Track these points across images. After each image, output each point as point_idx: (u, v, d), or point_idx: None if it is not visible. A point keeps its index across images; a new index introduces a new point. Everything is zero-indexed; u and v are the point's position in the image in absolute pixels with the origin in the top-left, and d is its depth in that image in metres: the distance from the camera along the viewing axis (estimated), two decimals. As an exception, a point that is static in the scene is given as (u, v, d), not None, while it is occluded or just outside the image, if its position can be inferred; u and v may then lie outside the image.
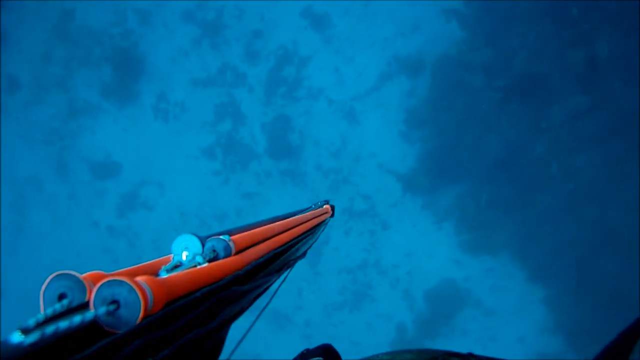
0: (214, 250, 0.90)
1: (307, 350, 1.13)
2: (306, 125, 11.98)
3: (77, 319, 0.52)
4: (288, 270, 1.28)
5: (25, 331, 0.49)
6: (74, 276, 0.62)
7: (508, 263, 11.09)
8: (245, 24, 12.01)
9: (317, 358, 1.09)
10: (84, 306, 0.59)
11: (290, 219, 1.45)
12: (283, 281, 1.28)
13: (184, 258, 0.85)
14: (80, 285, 0.62)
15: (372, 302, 12.30)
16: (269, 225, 1.22)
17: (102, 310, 0.55)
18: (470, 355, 0.91)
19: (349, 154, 11.88)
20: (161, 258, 0.87)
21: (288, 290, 11.99)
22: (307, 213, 1.73)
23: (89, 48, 12.63)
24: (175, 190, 12.88)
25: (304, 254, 1.61)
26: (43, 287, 0.61)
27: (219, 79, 12.25)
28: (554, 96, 10.09)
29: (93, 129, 12.96)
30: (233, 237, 0.94)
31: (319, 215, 1.84)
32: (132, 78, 12.56)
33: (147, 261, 0.82)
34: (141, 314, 0.57)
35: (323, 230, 1.95)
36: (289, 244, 1.30)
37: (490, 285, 11.37)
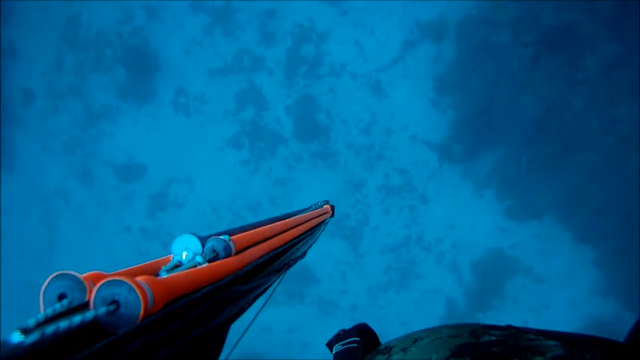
0: (214, 250, 0.97)
1: (343, 330, 1.20)
2: (332, 103, 12.58)
3: (77, 319, 0.55)
4: (287, 270, 1.39)
5: (25, 331, 0.52)
6: (74, 276, 0.66)
7: (554, 226, 11.43)
8: (256, 5, 12.71)
9: (353, 338, 1.13)
10: (84, 306, 0.63)
11: (290, 219, 1.55)
12: (280, 282, 1.39)
13: (184, 258, 0.93)
14: (80, 285, 0.66)
15: (419, 279, 12.94)
16: (269, 226, 1.32)
17: (102, 310, 0.59)
18: (509, 327, 0.95)
19: (379, 128, 12.43)
20: (161, 258, 0.94)
21: (331, 275, 12.81)
22: (307, 213, 1.85)
23: (99, 51, 13.58)
24: (204, 185, 13.70)
25: (304, 254, 1.70)
26: (43, 287, 0.65)
27: (236, 65, 13.02)
28: (587, 47, 10.59)
29: (113, 133, 13.92)
30: (233, 237, 1.02)
31: (319, 215, 1.98)
32: (147, 76, 13.44)
33: (147, 261, 0.88)
34: (141, 314, 0.61)
35: (323, 230, 2.11)
36: (289, 244, 1.40)
37: (538, 251, 11.79)
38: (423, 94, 12.00)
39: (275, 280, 1.28)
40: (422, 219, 12.68)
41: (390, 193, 12.76)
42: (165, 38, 13.24)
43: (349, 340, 1.13)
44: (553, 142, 11.03)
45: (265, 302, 1.39)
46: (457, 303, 12.88)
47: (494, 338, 0.86)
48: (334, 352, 1.12)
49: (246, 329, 1.39)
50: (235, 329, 1.08)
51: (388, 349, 0.98)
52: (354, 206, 12.97)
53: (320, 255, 13.18)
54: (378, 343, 1.15)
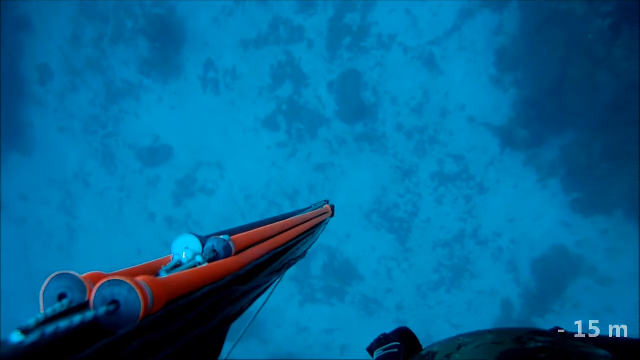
0: (214, 250, 1.06)
1: (384, 335, 1.28)
2: (380, 79, 12.50)
3: (77, 318, 0.59)
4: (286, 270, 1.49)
5: (25, 331, 0.56)
6: (73, 276, 0.71)
7: (624, 222, 11.27)
8: (294, -32, 12.78)
9: (395, 343, 1.20)
10: (84, 306, 0.68)
11: (290, 219, 1.67)
12: (280, 281, 1.47)
13: (183, 258, 1.01)
14: (80, 285, 0.71)
15: (473, 278, 12.96)
16: (269, 225, 1.41)
17: (102, 310, 0.63)
18: (555, 332, 1.00)
19: (433, 108, 12.36)
20: (161, 258, 1.02)
21: (376, 271, 13.63)
22: (307, 213, 1.97)
23: (120, 22, 13.81)
24: (236, 170, 13.87)
25: (304, 254, 1.81)
26: (43, 287, 0.70)
27: (271, 36, 13.07)
28: (674, 17, 10.43)
29: (136, 112, 14.25)
30: (233, 237, 1.11)
31: (319, 215, 2.11)
32: (172, 49, 13.59)
33: (147, 261, 0.95)
34: (141, 314, 0.66)
35: (323, 230, 2.27)
36: (289, 244, 1.49)
37: (604, 249, 11.66)
38: (482, 70, 11.85)
39: (275, 280, 1.36)
40: (479, 211, 12.64)
41: (444, 182, 12.71)
42: (193, 7, 13.34)
43: (390, 345, 1.20)
44: (631, 126, 10.78)
45: (265, 302, 1.47)
46: (513, 305, 12.88)
47: (540, 344, 0.89)
48: (374, 358, 1.19)
49: (246, 328, 1.51)
50: (235, 329, 1.15)
51: (431, 355, 1.02)
52: (404, 196, 13.02)
53: (364, 249, 13.37)
54: (419, 347, 1.21)
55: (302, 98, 13.10)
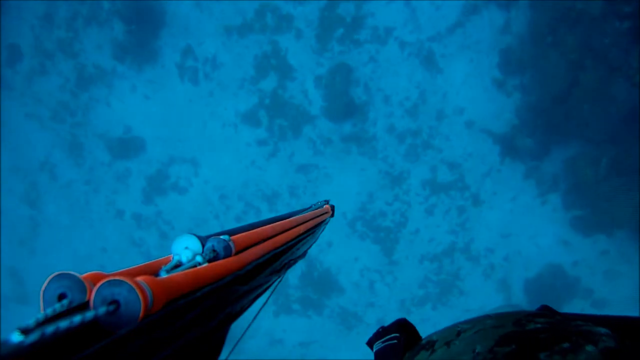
0: (214, 250, 1.01)
1: (383, 327, 1.19)
2: (373, 76, 11.74)
3: (77, 318, 0.58)
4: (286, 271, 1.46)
5: (25, 331, 0.55)
6: (73, 276, 0.69)
7: (625, 244, 10.80)
8: (284, -49, 11.92)
9: (394, 334, 1.14)
10: (84, 306, 0.67)
11: (291, 219, 1.62)
12: (280, 281, 1.44)
13: (183, 258, 0.96)
14: (80, 285, 0.69)
15: (461, 296, 12.39)
16: (269, 226, 1.37)
17: (102, 310, 0.62)
18: (555, 313, 0.98)
19: (429, 110, 11.63)
20: (161, 258, 0.98)
21: (357, 284, 11.94)
22: (307, 213, 1.92)
23: (96, 1, 12.75)
24: (212, 167, 13.00)
25: (304, 254, 1.80)
26: (43, 287, 0.69)
27: (257, 24, 12.09)
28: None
29: (108, 100, 13.21)
30: (233, 237, 1.06)
31: (319, 215, 2.06)
32: (150, 33, 12.62)
33: (147, 261, 0.92)
34: (141, 314, 0.64)
35: (323, 230, 2.19)
36: (289, 244, 1.46)
37: (603, 271, 11.22)
38: (485, 71, 11.17)
39: (275, 280, 1.35)
40: (472, 225, 12.02)
41: (437, 191, 11.99)
42: (174, -12, 12.38)
43: (389, 337, 1.15)
44: (644, 141, 10.25)
45: (266, 302, 1.46)
46: None
47: (539, 326, 0.88)
48: (374, 351, 1.14)
49: (246, 329, 1.48)
50: (235, 329, 1.11)
51: (431, 344, 1.00)
52: (392, 204, 12.29)
53: (346, 259, 12.69)
54: (419, 338, 1.16)
55: (286, 92, 12.20)
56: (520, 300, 11.88)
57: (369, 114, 11.91)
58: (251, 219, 12.45)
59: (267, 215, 12.33)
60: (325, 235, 12.23)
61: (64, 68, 13.15)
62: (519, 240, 11.70)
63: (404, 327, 1.19)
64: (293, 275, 13.03)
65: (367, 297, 12.84)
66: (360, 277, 12.81)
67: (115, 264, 13.70)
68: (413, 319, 4.81)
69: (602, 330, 0.83)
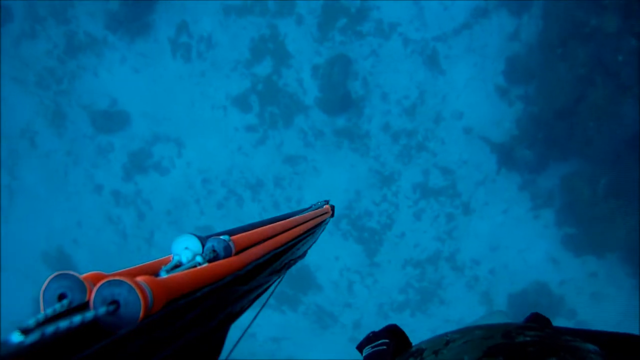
0: (214, 250, 1.00)
1: (373, 333, 1.18)
2: (372, 70, 11.26)
3: (77, 319, 0.58)
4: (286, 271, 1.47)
5: (25, 331, 0.54)
6: (73, 276, 0.69)
7: (616, 267, 10.47)
8: None
9: (383, 340, 1.13)
10: (84, 306, 0.66)
11: (291, 219, 1.58)
12: (280, 281, 1.44)
13: (184, 258, 0.95)
14: (80, 286, 0.69)
15: (441, 305, 11.95)
16: (269, 226, 1.36)
17: (102, 310, 0.61)
18: (545, 327, 0.97)
19: (427, 111, 11.16)
20: (161, 258, 0.96)
21: (336, 283, 11.56)
22: (307, 213, 1.88)
23: None
24: (196, 149, 12.56)
25: (304, 254, 1.75)
26: (43, 287, 0.68)
27: (257, 6, 11.60)
28: None
29: (95, 70, 12.73)
30: (233, 237, 1.05)
31: (319, 216, 2.02)
32: (145, 5, 12.16)
33: (147, 261, 0.91)
34: (141, 314, 0.64)
35: (323, 230, 2.13)
36: (289, 244, 1.45)
37: (590, 293, 10.87)
38: (489, 77, 10.69)
39: (275, 280, 1.36)
40: (460, 234, 11.56)
41: (427, 195, 11.52)
42: (173, -41, 11.97)
43: (379, 342, 1.14)
44: (649, 166, 9.93)
45: (266, 302, 1.47)
46: None
47: (529, 339, 0.87)
48: (363, 355, 1.14)
49: (246, 329, 1.45)
50: (235, 329, 1.10)
51: (420, 352, 1.00)
52: (379, 204, 11.83)
53: (326, 257, 12.24)
54: (409, 344, 1.16)
55: (281, 79, 11.72)
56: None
57: (365, 109, 11.48)
58: (233, 207, 12.22)
59: (248, 203, 12.13)
60: None
61: (54, 33, 12.68)
62: (506, 253, 11.27)
63: (394, 333, 1.18)
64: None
65: (344, 298, 12.40)
66: (340, 277, 12.34)
67: (90, 240, 13.40)
68: None
69: (591, 347, 0.83)
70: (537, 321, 1.06)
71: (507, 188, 10.96)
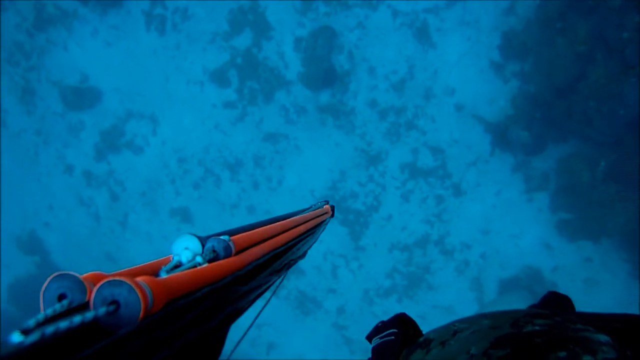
0: (214, 251, 0.99)
1: (382, 322, 1.16)
2: (359, 43, 10.76)
3: (77, 319, 0.57)
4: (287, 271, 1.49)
5: (25, 331, 0.54)
6: (73, 276, 0.69)
7: (611, 253, 10.07)
8: None
9: (391, 330, 1.10)
10: (84, 306, 0.66)
11: (291, 219, 1.56)
12: (281, 282, 1.48)
13: (183, 258, 0.93)
14: (80, 286, 0.68)
15: (430, 290, 11.50)
16: (269, 226, 1.34)
17: (102, 310, 0.61)
18: (554, 314, 0.92)
19: (416, 87, 10.66)
20: (161, 259, 0.96)
21: (319, 267, 11.07)
22: (307, 213, 1.84)
23: None
24: (172, 127, 12.09)
25: (304, 254, 1.73)
26: (43, 287, 0.67)
27: None
28: None
29: (66, 44, 12.24)
30: (233, 238, 1.04)
31: (319, 216, 1.97)
32: None
33: (147, 262, 0.90)
34: (141, 314, 0.63)
35: (323, 230, 2.09)
36: (290, 244, 1.42)
37: (583, 279, 10.44)
38: (483, 52, 10.13)
39: (275, 281, 1.33)
40: (450, 216, 11.05)
41: (415, 175, 11.01)
42: None
43: (387, 332, 1.12)
44: (650, 150, 9.62)
45: (267, 303, 1.51)
46: None
47: (537, 328, 0.85)
48: (372, 346, 1.13)
49: (247, 330, 1.46)
50: (235, 329, 1.09)
51: (427, 342, 1.00)
52: (365, 185, 11.32)
53: None
54: (419, 332, 1.14)
55: (261, 52, 11.18)
56: (493, 300, 11.14)
57: (350, 84, 11.00)
58: (210, 187, 11.79)
59: (226, 183, 11.70)
60: (289, 211, 11.59)
61: (23, 6, 12.13)
62: (498, 237, 10.81)
63: (402, 322, 1.14)
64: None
65: (328, 283, 11.94)
66: (323, 261, 11.87)
67: (62, 222, 12.88)
68: (375, 311, 11.34)
69: (602, 338, 0.80)
70: (553, 302, 1.02)
71: (500, 169, 10.45)
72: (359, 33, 10.64)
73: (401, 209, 11.29)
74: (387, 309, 11.68)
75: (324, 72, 10.89)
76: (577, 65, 9.22)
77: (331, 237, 11.69)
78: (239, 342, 1.33)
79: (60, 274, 0.68)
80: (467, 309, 11.13)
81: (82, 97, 12.13)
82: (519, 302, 10.83)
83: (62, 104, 12.30)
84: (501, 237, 10.82)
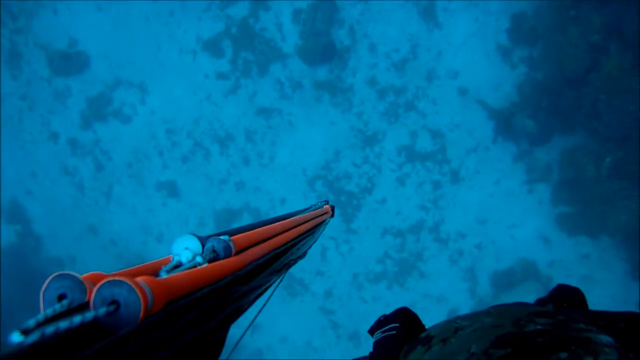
0: (214, 251, 0.99)
1: (384, 316, 1.12)
2: (360, 18, 10.49)
3: (77, 319, 0.57)
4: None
5: (26, 331, 0.54)
6: (73, 276, 0.68)
7: (610, 250, 9.87)
8: None
9: (393, 325, 1.06)
10: (84, 306, 0.66)
11: (291, 219, 1.55)
12: (281, 282, 1.44)
13: (183, 258, 0.94)
14: (80, 286, 0.68)
15: (421, 278, 11.24)
16: (269, 226, 1.33)
17: (102, 310, 0.61)
18: (558, 311, 0.89)
19: (418, 67, 10.38)
20: (161, 259, 0.95)
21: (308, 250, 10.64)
22: (307, 213, 1.82)
23: None
24: (161, 96, 11.75)
25: (304, 254, 1.70)
26: (43, 287, 0.67)
27: None
28: None
29: (55, 6, 11.85)
30: (233, 238, 1.04)
31: (319, 216, 1.95)
32: None
33: (147, 262, 0.89)
34: (141, 314, 0.63)
35: (323, 230, 2.08)
36: (289, 244, 1.41)
37: (580, 276, 10.19)
38: (491, 35, 9.85)
39: (275, 281, 1.34)
40: (447, 203, 10.79)
41: (412, 159, 10.72)
42: None
43: (389, 327, 1.08)
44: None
45: (266, 302, 1.45)
46: None
47: (539, 327, 0.82)
48: (373, 341, 1.10)
49: (247, 329, 1.46)
50: (235, 328, 1.09)
51: (428, 339, 0.95)
52: (360, 166, 11.05)
53: None
54: (420, 327, 1.09)
55: (258, 23, 10.87)
56: (485, 293, 10.93)
57: (350, 61, 10.69)
58: (199, 161, 11.54)
59: (216, 158, 11.47)
60: (280, 190, 11.63)
61: None
62: (495, 228, 10.57)
63: (404, 317, 1.11)
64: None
65: (316, 265, 11.69)
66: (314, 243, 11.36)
67: (45, 191, 12.55)
68: (365, 296, 11.44)
69: (605, 339, 0.77)
70: (562, 296, 1.00)
71: (501, 158, 10.18)
72: (361, 8, 10.37)
73: (396, 193, 11.00)
74: (376, 295, 11.51)
75: (323, 46, 10.59)
76: (589, 56, 8.95)
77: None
78: (238, 341, 1.33)
79: (60, 274, 0.67)
80: (459, 299, 11.01)
81: (69, 62, 11.77)
82: (531, 295, 10.65)
83: (48, 68, 11.98)
84: (498, 228, 10.62)
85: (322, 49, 10.64)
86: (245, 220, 11.83)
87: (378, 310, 9.34)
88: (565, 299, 1.00)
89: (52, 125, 12.26)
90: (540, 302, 1.01)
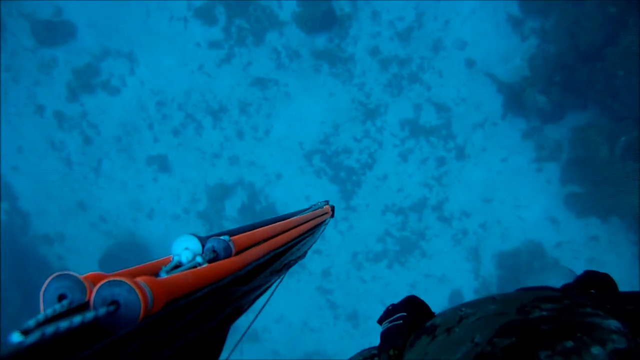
0: (214, 251, 0.99)
1: (393, 305, 1.14)
2: None
3: (77, 319, 0.58)
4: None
5: (26, 332, 0.54)
6: (73, 277, 0.69)
7: (619, 232, 9.59)
8: None
9: (400, 314, 1.08)
10: (84, 306, 0.66)
11: (291, 219, 1.56)
12: (281, 282, 1.45)
13: (183, 259, 0.94)
14: (80, 286, 0.68)
15: (423, 258, 10.95)
16: (269, 226, 1.33)
17: (102, 310, 0.62)
18: (564, 295, 0.87)
19: (424, 37, 10.01)
20: (161, 259, 0.94)
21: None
22: (307, 214, 1.81)
23: None
24: (151, 67, 11.36)
25: (304, 254, 1.69)
26: (43, 287, 0.67)
27: None
28: None
29: None
30: (233, 238, 1.03)
31: (319, 216, 1.95)
32: None
33: (147, 262, 0.89)
34: (141, 314, 0.64)
35: (323, 230, 2.06)
36: (289, 244, 1.42)
37: (587, 258, 9.95)
38: (501, 4, 9.52)
39: (275, 281, 1.34)
40: (451, 181, 10.46)
41: (416, 134, 10.36)
42: None
43: (396, 316, 1.10)
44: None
45: (267, 302, 1.45)
46: (465, 300, 10.55)
47: (545, 313, 0.80)
48: (380, 331, 1.11)
49: (247, 329, 1.48)
50: (236, 328, 1.08)
51: (433, 328, 0.97)
52: (360, 141, 10.71)
53: (296, 196, 11.43)
54: (429, 314, 1.10)
55: None
56: (489, 274, 10.68)
57: (351, 29, 10.29)
58: (191, 134, 11.21)
59: (208, 131, 11.19)
60: (275, 164, 11.36)
61: None
62: (501, 207, 10.28)
63: (411, 305, 1.12)
64: (231, 204, 11.61)
65: (314, 243, 11.11)
66: None
67: (31, 166, 12.19)
68: (364, 275, 11.65)
69: (613, 324, 0.74)
70: (588, 282, 0.98)
71: (510, 134, 9.83)
72: (363, -28, 9.87)
73: (398, 169, 10.70)
74: (376, 275, 11.27)
75: (322, 13, 10.20)
76: (606, 29, 8.64)
77: (319, 194, 11.08)
78: (238, 341, 1.35)
79: (61, 274, 0.68)
80: (462, 280, 10.80)
81: (55, 31, 11.38)
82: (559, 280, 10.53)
83: (33, 38, 11.54)
84: (504, 207, 10.39)
85: (321, 16, 10.25)
86: (239, 196, 11.65)
87: (377, 292, 8.83)
88: (595, 284, 0.95)
89: (38, 98, 11.84)
90: (565, 288, 0.96)
